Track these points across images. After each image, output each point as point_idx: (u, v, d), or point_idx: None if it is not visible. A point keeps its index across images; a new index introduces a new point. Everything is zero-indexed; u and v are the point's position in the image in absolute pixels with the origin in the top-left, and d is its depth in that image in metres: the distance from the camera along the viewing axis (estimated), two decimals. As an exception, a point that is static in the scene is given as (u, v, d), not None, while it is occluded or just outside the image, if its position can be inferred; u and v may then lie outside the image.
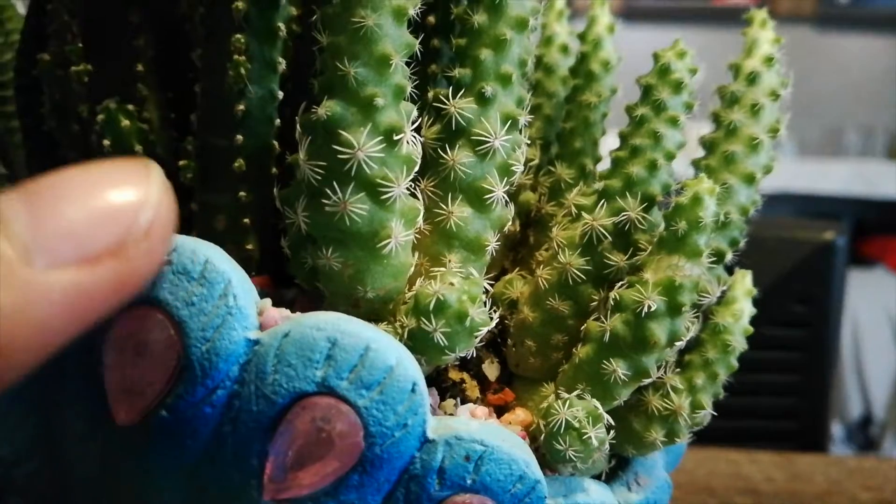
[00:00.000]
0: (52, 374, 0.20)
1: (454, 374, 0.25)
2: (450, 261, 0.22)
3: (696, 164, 0.27)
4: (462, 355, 0.21)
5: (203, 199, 0.24)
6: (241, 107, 0.22)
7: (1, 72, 0.33)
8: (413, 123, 0.21)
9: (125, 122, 0.23)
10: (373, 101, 0.20)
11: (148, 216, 0.15)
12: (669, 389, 0.25)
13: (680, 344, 0.23)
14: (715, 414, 0.25)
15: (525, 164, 0.27)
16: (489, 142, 0.22)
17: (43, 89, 0.26)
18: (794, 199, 1.96)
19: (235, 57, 0.22)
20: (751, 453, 0.54)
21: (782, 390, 0.69)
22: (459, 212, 0.22)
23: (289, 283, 0.24)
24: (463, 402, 0.24)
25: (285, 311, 0.20)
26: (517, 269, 0.27)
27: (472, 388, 0.24)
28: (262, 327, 0.19)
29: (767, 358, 0.69)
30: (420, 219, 0.21)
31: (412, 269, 0.21)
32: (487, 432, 0.20)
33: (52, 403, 0.20)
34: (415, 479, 0.19)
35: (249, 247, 0.24)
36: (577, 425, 0.21)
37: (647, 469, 0.26)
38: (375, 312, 0.21)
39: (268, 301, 0.20)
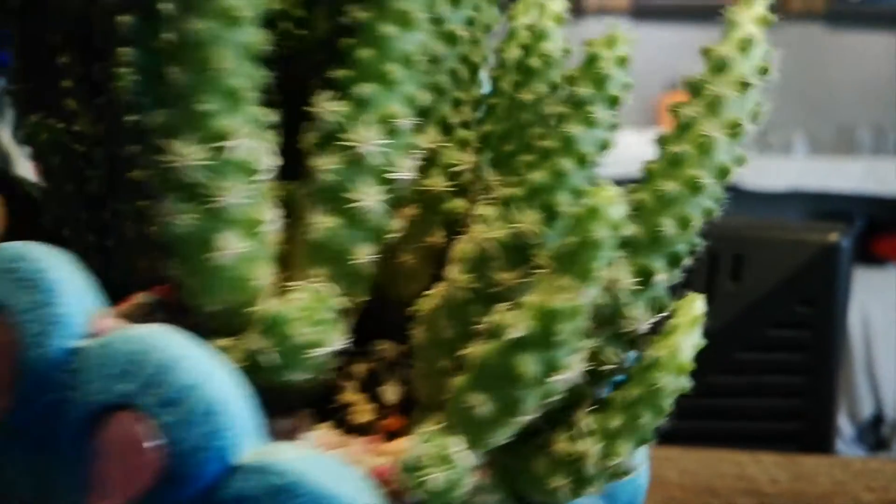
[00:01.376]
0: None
1: (348, 396, 0.23)
2: (312, 274, 0.21)
3: (644, 168, 0.23)
4: (306, 377, 0.20)
5: (113, 207, 0.24)
6: (133, 117, 0.23)
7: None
8: (267, 128, 0.20)
9: (43, 136, 0.24)
10: (200, 108, 0.19)
11: None
12: (580, 431, 0.21)
13: (564, 377, 0.19)
14: (650, 443, 0.21)
15: (449, 168, 0.25)
16: (359, 147, 0.21)
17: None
18: (805, 197, 1.95)
19: (121, 69, 0.22)
20: (755, 454, 0.53)
21: (787, 392, 0.68)
22: (325, 222, 0.21)
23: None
24: (348, 426, 0.23)
25: (118, 322, 0.20)
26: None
27: (362, 413, 0.23)
28: (97, 336, 0.20)
29: (772, 359, 0.68)
30: (264, 229, 0.20)
31: (262, 281, 0.21)
32: (305, 462, 0.18)
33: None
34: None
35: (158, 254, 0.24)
36: (421, 463, 0.19)
37: (572, 520, 0.23)
38: (226, 326, 0.21)
39: (105, 310, 0.20)
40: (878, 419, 1.54)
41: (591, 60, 0.22)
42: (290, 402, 0.22)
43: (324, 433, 0.21)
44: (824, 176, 1.95)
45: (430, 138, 0.25)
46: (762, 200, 1.93)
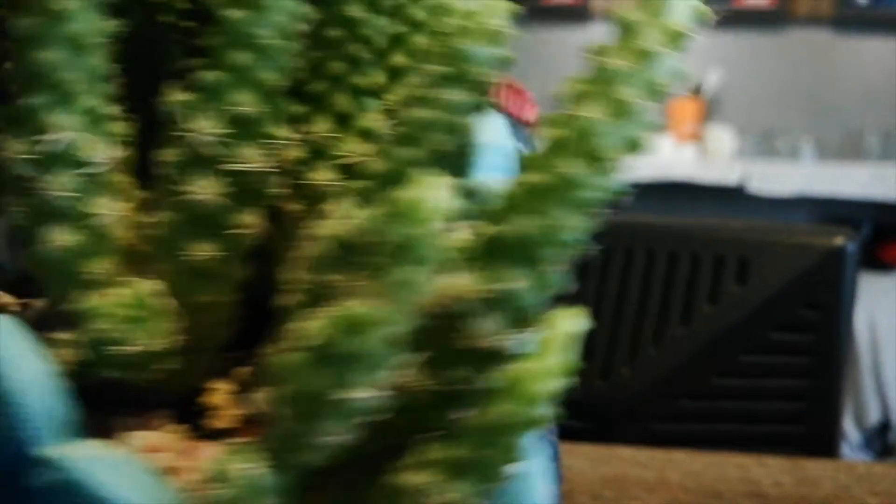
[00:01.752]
0: None
1: (214, 399, 0.22)
2: (154, 270, 0.20)
3: (521, 157, 0.20)
4: (120, 375, 0.19)
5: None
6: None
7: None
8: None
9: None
10: (25, 102, 0.19)
11: None
12: (419, 462, 0.18)
13: (365, 395, 0.17)
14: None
15: (339, 160, 0.23)
16: (193, 137, 0.20)
17: None
18: (812, 202, 1.99)
19: (6, 65, 0.23)
20: (759, 458, 0.53)
21: (792, 395, 0.67)
22: (162, 216, 0.20)
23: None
24: (207, 431, 0.22)
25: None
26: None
27: (222, 418, 0.22)
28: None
29: (777, 362, 0.67)
30: (98, 222, 0.20)
31: (97, 276, 0.20)
32: (93, 462, 0.18)
33: None
34: (23, 495, 0.18)
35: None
36: (214, 478, 0.18)
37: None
38: (76, 319, 0.21)
39: (-37, 298, 0.21)
40: (885, 426, 1.53)
41: (463, 32, 0.19)
42: (147, 400, 0.22)
43: (158, 435, 0.20)
44: (831, 181, 1.96)
45: (321, 128, 0.23)
46: (769, 205, 1.91)
